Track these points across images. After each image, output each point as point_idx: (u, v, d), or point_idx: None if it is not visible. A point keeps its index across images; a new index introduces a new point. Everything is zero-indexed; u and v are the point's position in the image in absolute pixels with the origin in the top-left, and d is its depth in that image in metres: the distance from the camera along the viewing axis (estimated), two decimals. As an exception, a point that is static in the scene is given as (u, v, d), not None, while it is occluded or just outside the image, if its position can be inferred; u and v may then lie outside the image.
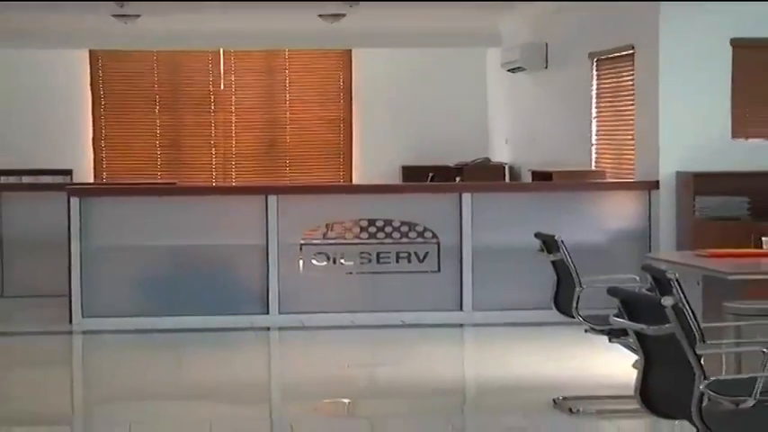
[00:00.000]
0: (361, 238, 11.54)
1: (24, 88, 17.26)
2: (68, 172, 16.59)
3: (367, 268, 11.53)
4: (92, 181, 16.92)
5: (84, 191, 12.38)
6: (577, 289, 8.31)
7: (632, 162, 12.33)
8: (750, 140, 11.47)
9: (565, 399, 7.94)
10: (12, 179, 15.26)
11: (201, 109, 17.95)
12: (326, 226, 11.54)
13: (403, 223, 11.56)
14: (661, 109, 11.54)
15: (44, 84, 17.42)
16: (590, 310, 7.94)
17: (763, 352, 6.57)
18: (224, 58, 17.82)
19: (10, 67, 17.17)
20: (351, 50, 17.90)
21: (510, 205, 11.97)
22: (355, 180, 17.72)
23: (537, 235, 8.82)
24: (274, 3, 14.46)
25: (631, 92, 12.46)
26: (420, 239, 11.57)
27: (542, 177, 14.14)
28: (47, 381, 9.81)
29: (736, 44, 11.49)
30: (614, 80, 13.26)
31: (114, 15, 14.78)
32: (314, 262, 11.40)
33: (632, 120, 12.40)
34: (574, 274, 8.37)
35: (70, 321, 10.93)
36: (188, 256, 11.40)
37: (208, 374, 9.58)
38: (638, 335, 5.67)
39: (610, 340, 7.54)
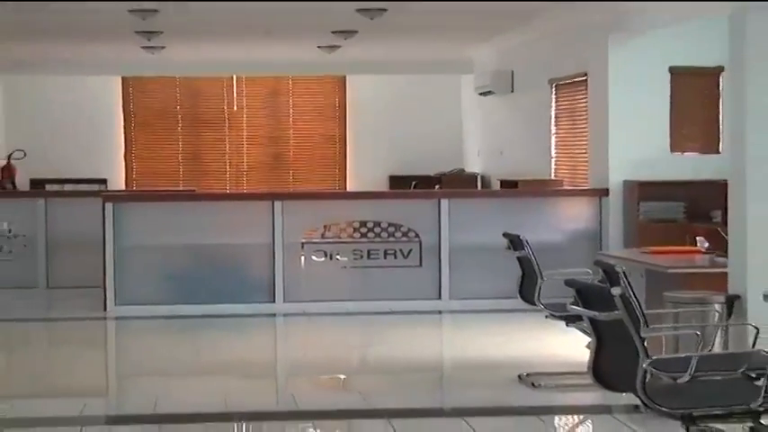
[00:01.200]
0: (354, 238, 11.51)
1: (66, 109, 17.21)
2: (103, 181, 16.56)
3: (359, 263, 11.50)
4: (123, 188, 16.89)
5: (116, 197, 12.38)
6: (539, 281, 8.30)
7: (586, 172, 12.33)
8: (686, 154, 11.47)
9: (528, 375, 7.92)
10: (56, 187, 15.20)
11: (217, 127, 17.91)
12: (324, 227, 11.52)
13: (390, 224, 11.54)
14: (610, 127, 11.53)
15: (83, 105, 17.40)
16: (550, 299, 7.92)
17: (697, 335, 6.56)
18: (236, 84, 17.78)
19: (54, 90, 17.13)
20: (345, 76, 17.88)
21: (481, 209, 11.93)
22: (349, 187, 17.70)
23: (504, 235, 8.78)
24: (280, 36, 14.45)
25: (585, 112, 12.44)
26: (404, 239, 11.55)
27: (509, 185, 14.15)
28: (85, 359, 9.80)
29: (674, 71, 11.49)
30: (570, 102, 13.26)
31: (143, 47, 14.75)
32: (313, 258, 11.37)
33: (586, 136, 12.39)
34: (536, 268, 8.35)
35: (105, 309, 10.90)
36: (205, 252, 11.37)
37: (222, 354, 9.58)
38: (591, 320, 5.65)
39: (567, 325, 7.52)
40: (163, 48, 14.94)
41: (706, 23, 9.87)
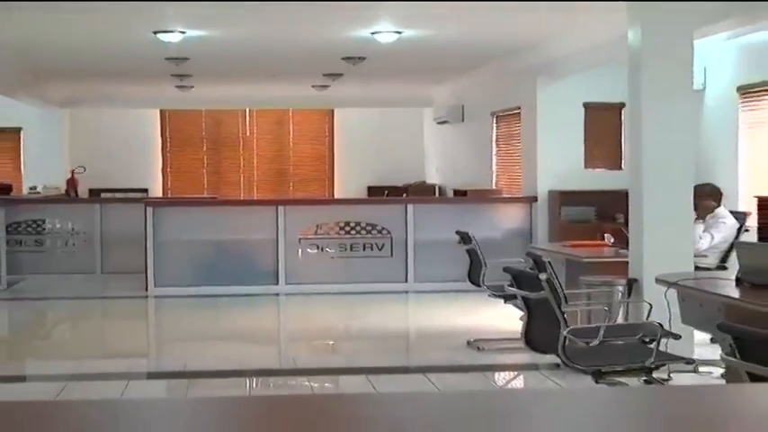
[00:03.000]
0: (340, 235, 11.48)
1: (117, 134, 17.16)
2: (145, 190, 16.47)
3: (344, 254, 11.47)
4: (160, 196, 16.84)
5: (155, 203, 12.32)
6: (483, 268, 8.29)
7: (519, 184, 12.35)
8: (596, 170, 11.49)
9: (474, 340, 7.93)
10: (108, 195, 15.13)
11: (233, 148, 17.86)
12: (317, 226, 11.51)
13: (367, 224, 11.51)
14: (538, 149, 11.55)
15: (130, 131, 17.37)
16: (492, 282, 7.93)
17: (605, 309, 6.59)
18: (249, 115, 17.75)
19: (108, 120, 17.05)
20: (333, 109, 17.87)
21: (439, 212, 11.94)
22: (336, 195, 17.66)
23: (457, 232, 8.78)
24: (282, 78, 14.45)
25: (518, 137, 12.47)
26: (379, 235, 11.52)
27: (460, 194, 14.19)
28: (130, 328, 9.78)
29: (587, 106, 11.53)
30: (507, 129, 13.28)
31: (176, 86, 14.74)
32: (308, 250, 11.34)
33: (519, 156, 12.42)
34: (481, 258, 8.35)
35: (146, 289, 10.85)
36: (224, 245, 11.32)
37: (237, 325, 9.58)
38: (524, 298, 5.66)
39: (504, 302, 7.52)
40: (192, 87, 14.94)
41: (611, 70, 9.89)
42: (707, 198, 7.71)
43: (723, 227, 7.81)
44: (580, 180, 11.39)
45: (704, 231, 7.69)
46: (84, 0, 7.74)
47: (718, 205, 7.92)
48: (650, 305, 6.06)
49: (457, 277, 9.38)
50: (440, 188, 16.41)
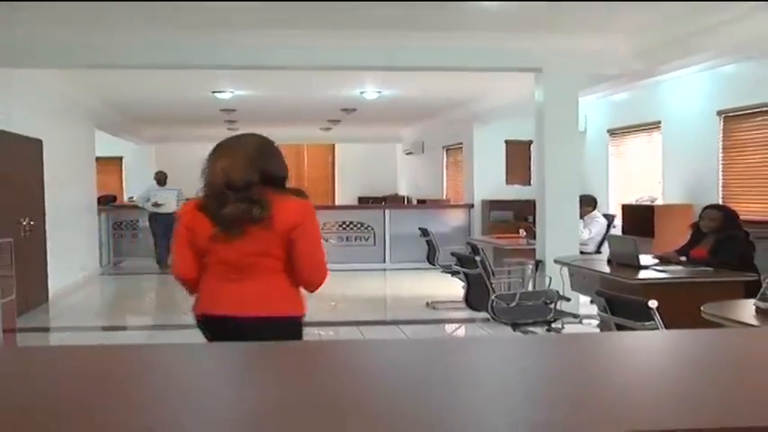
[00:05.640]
0: (339, 230, 11.48)
1: (186, 162, 16.86)
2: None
3: (342, 244, 11.47)
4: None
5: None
6: (437, 253, 8.31)
7: (462, 195, 12.37)
8: (514, 186, 11.55)
9: (432, 302, 7.95)
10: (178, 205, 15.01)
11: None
12: (322, 225, 11.43)
13: (358, 223, 11.53)
14: (474, 171, 11.60)
15: (195, 160, 17.15)
16: (443, 263, 7.94)
17: (520, 281, 6.59)
18: (277, 148, 17.73)
19: (179, 152, 16.78)
20: (334, 144, 17.82)
21: (406, 214, 11.94)
22: (337, 203, 17.61)
23: (419, 228, 8.80)
24: (298, 122, 14.43)
25: (461, 163, 12.52)
26: (366, 231, 11.54)
27: (421, 202, 14.19)
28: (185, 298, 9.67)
29: (508, 142, 11.59)
30: (454, 158, 13.32)
31: (227, 128, 14.71)
32: (318, 241, 11.31)
33: (462, 176, 12.45)
34: (436, 246, 8.37)
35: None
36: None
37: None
38: (465, 274, 5.65)
39: (452, 276, 7.55)
40: (238, 129, 14.86)
41: (523, 118, 9.94)
42: (587, 205, 7.75)
43: (597, 224, 7.86)
44: (503, 192, 11.44)
45: (585, 228, 7.73)
46: (151, 67, 7.66)
47: (594, 209, 7.97)
48: (550, 278, 6.09)
49: (419, 259, 9.41)
50: (407, 198, 16.43)
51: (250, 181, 2.60)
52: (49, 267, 8.13)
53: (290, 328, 2.61)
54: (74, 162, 9.67)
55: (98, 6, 5.56)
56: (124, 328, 7.39)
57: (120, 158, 15.98)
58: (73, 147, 9.68)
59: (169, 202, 10.96)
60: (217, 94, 10.30)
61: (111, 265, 11.42)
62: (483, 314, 5.74)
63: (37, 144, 7.87)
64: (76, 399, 1.52)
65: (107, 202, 12.32)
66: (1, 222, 6.23)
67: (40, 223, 7.82)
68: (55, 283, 8.36)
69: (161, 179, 11.33)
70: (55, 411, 1.42)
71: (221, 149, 2.80)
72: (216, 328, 2.63)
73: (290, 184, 2.80)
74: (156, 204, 10.97)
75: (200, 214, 2.65)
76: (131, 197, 14.56)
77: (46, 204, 8.04)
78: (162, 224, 10.68)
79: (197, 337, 2.71)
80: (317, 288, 2.78)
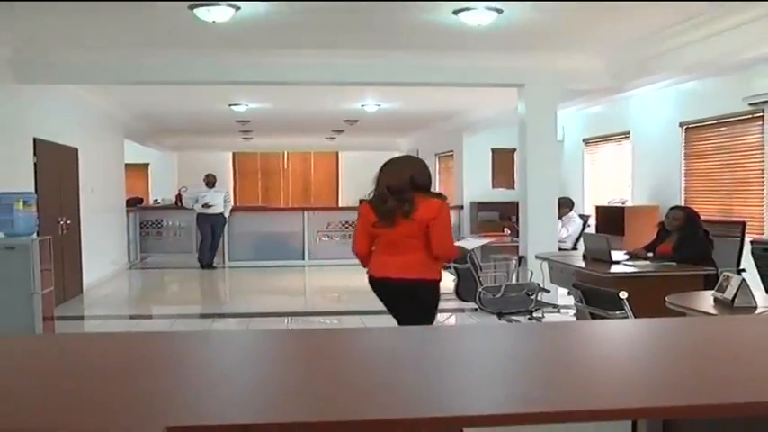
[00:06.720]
0: (342, 229, 11.43)
1: (206, 168, 16.65)
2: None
3: (344, 241, 11.30)
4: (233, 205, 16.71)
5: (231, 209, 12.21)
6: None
7: (453, 197, 12.37)
8: (499, 189, 11.55)
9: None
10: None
11: (276, 177, 17.63)
12: (328, 224, 11.41)
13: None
14: (464, 176, 11.59)
15: (214, 166, 16.88)
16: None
17: (505, 275, 6.58)
18: (286, 156, 17.57)
19: (200, 159, 16.78)
20: (338, 152, 17.77)
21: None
22: (340, 205, 17.55)
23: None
24: (307, 132, 14.43)
25: (452, 169, 12.49)
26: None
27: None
28: (213, 287, 9.67)
29: (494, 151, 11.58)
30: (445, 164, 13.28)
31: (242, 138, 14.70)
32: (323, 239, 11.28)
33: (453, 180, 12.40)
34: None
35: (224, 262, 10.79)
36: (272, 235, 11.26)
37: (278, 284, 9.49)
38: (455, 268, 5.65)
39: (444, 270, 7.50)
40: (252, 138, 14.88)
41: (507, 128, 9.94)
42: (565, 206, 7.75)
43: (574, 224, 7.86)
44: (489, 195, 11.44)
45: (563, 227, 7.74)
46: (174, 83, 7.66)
47: (571, 210, 7.97)
48: (532, 272, 6.09)
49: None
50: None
51: (403, 188, 3.33)
52: (83, 262, 8.16)
53: (428, 286, 3.47)
54: (106, 168, 9.68)
55: (141, 30, 5.59)
56: (150, 317, 7.40)
57: (147, 165, 15.97)
58: (105, 154, 9.70)
59: (217, 203, 10.78)
60: (233, 107, 10.31)
61: (138, 261, 11.43)
62: (471, 304, 5.74)
63: (73, 152, 7.92)
64: (107, 373, 1.54)
65: (135, 203, 12.31)
66: (42, 222, 6.23)
67: (75, 222, 7.85)
68: (88, 276, 8.40)
69: (210, 182, 11.16)
70: (88, 384, 1.44)
71: (386, 165, 3.55)
72: (380, 285, 3.53)
73: (372, 186, 3.55)
74: (205, 206, 10.78)
75: (370, 209, 3.43)
76: (156, 199, 14.58)
77: (81, 205, 8.07)
78: (210, 224, 10.59)
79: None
80: (447, 260, 3.73)
